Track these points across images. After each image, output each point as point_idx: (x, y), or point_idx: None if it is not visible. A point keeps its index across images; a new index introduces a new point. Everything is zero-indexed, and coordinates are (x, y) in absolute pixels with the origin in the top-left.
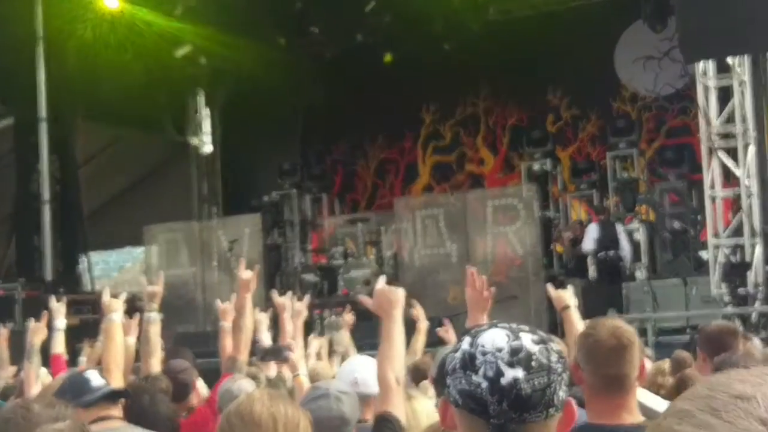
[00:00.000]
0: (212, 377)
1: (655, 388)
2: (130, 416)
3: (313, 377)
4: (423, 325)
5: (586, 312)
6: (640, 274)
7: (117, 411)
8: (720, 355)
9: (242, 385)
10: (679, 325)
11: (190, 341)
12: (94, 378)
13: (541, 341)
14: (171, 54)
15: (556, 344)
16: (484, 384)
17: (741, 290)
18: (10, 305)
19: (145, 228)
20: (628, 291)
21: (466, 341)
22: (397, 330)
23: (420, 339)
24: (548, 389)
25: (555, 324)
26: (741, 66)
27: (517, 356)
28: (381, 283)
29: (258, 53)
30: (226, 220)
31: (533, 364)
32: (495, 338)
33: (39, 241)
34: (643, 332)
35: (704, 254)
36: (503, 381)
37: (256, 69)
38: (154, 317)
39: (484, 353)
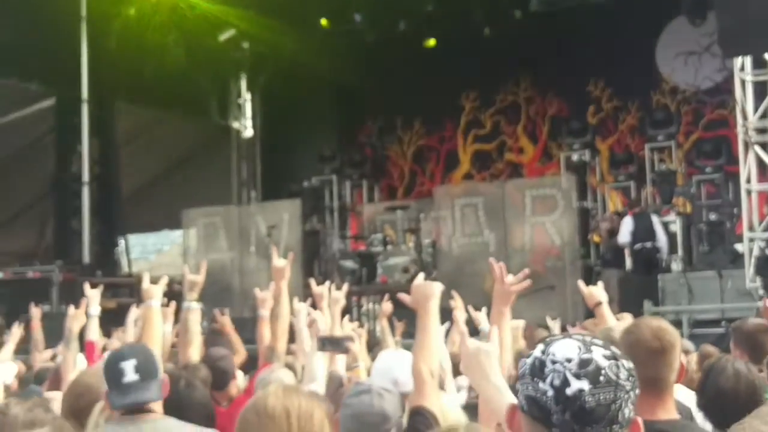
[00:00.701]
0: (250, 364)
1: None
2: (165, 404)
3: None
4: (460, 315)
5: (622, 303)
6: (676, 266)
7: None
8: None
9: (280, 375)
10: (714, 318)
11: None
12: (128, 371)
13: (613, 357)
14: (214, 37)
15: (628, 361)
16: (550, 392)
17: None
18: (46, 288)
19: (184, 211)
20: (663, 283)
21: (539, 349)
22: (432, 323)
23: (457, 330)
24: (613, 405)
25: (591, 315)
26: None
27: (586, 369)
28: (419, 278)
29: (300, 38)
30: (264, 205)
31: (601, 378)
32: (566, 349)
33: (77, 224)
34: (678, 324)
35: (740, 247)
36: (568, 391)
37: (297, 54)
38: (194, 306)
39: (553, 362)
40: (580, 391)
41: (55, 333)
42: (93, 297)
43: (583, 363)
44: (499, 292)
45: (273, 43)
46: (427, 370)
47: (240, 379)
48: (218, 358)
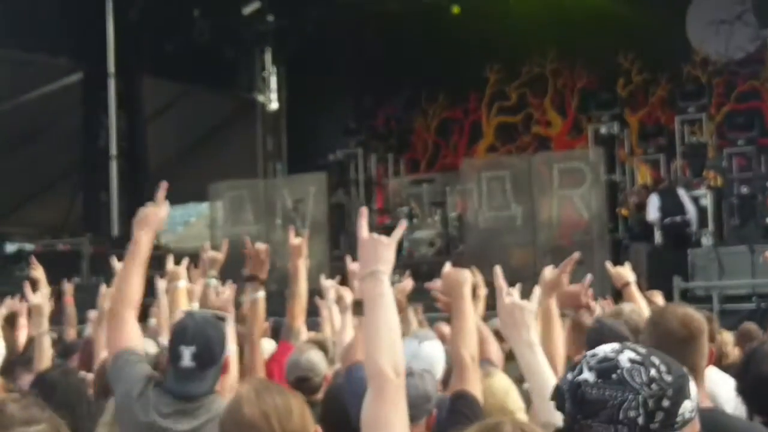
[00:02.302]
0: (277, 337)
1: (721, 358)
2: None
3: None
4: (482, 291)
5: (651, 278)
6: (706, 240)
7: None
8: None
9: (310, 356)
10: (745, 293)
11: None
12: (186, 357)
13: (641, 363)
14: (238, 10)
15: (659, 372)
16: (567, 380)
17: None
18: (76, 261)
19: (211, 184)
20: (693, 257)
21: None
22: (467, 308)
23: (479, 306)
24: (615, 402)
25: (619, 291)
26: None
27: (601, 364)
28: (447, 266)
29: (324, 10)
30: (291, 178)
31: (614, 376)
32: (605, 347)
33: (106, 197)
34: (708, 299)
35: None
36: (577, 379)
37: (322, 26)
38: (213, 283)
39: (585, 356)
40: (585, 380)
41: (85, 305)
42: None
43: (604, 359)
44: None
45: (297, 15)
46: (468, 355)
47: (269, 347)
48: None
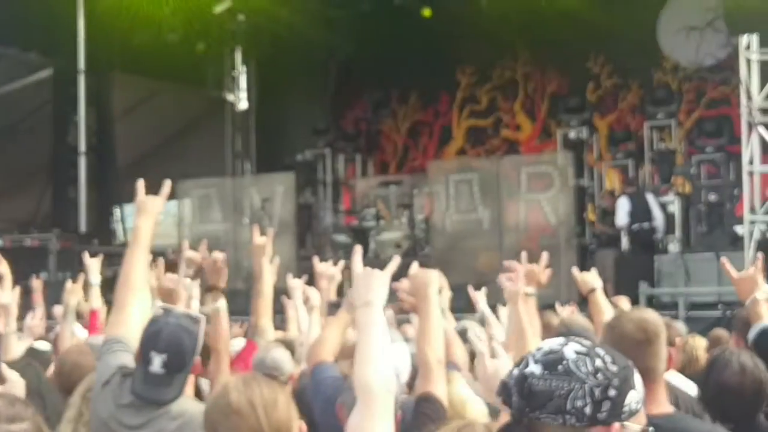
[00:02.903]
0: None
1: (692, 363)
2: None
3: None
4: (445, 294)
5: (618, 284)
6: (674, 247)
7: None
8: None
9: (276, 355)
10: (711, 300)
11: None
12: (156, 363)
13: (586, 353)
14: (209, 9)
15: (604, 363)
16: (513, 375)
17: None
18: (44, 256)
19: (179, 182)
20: (660, 264)
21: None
22: (433, 310)
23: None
24: (561, 392)
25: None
26: None
27: (547, 356)
28: (414, 267)
29: (295, 10)
30: (259, 177)
31: (560, 367)
32: (551, 341)
33: (74, 193)
34: (674, 306)
35: (739, 229)
36: (523, 372)
37: (293, 26)
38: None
39: (530, 351)
40: (531, 373)
41: (52, 301)
42: (93, 266)
43: (549, 352)
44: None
45: (269, 15)
46: (434, 357)
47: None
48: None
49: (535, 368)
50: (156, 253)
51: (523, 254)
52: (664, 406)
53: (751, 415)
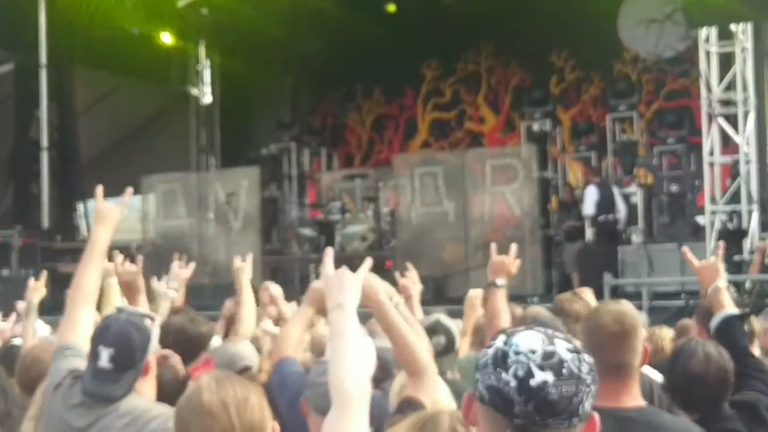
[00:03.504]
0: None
1: (657, 353)
2: None
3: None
4: (417, 287)
5: (582, 275)
6: (636, 237)
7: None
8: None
9: (239, 348)
10: (674, 290)
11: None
12: (104, 358)
13: (575, 350)
14: (173, 3)
15: (589, 356)
16: (513, 383)
17: (736, 257)
18: (6, 252)
19: (143, 177)
20: (623, 255)
21: (501, 339)
22: (392, 315)
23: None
24: (575, 398)
25: (550, 284)
26: (744, 33)
27: (550, 361)
28: (360, 275)
29: (259, 4)
30: (223, 171)
31: (564, 371)
32: (530, 340)
33: (36, 188)
34: (637, 296)
35: (701, 219)
36: (532, 382)
37: (257, 20)
38: (172, 294)
39: (517, 353)
40: (545, 382)
41: (14, 298)
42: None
43: (547, 355)
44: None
45: (232, 9)
46: (420, 362)
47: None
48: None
49: (546, 376)
50: (119, 248)
51: (493, 246)
52: (637, 400)
53: (716, 403)
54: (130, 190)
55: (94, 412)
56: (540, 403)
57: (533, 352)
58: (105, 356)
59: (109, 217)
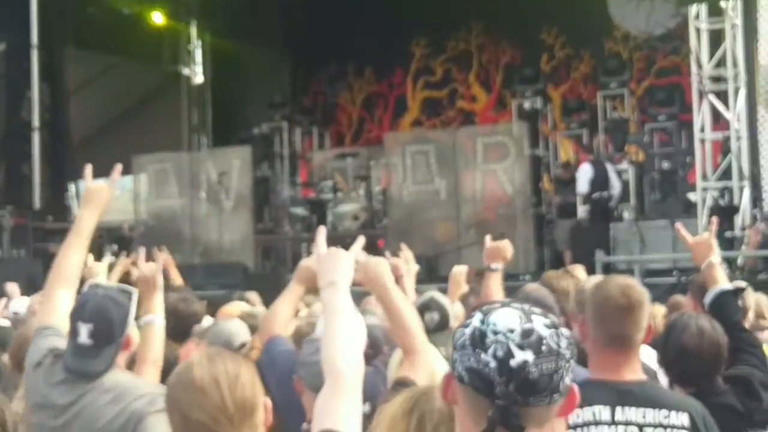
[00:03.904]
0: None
1: (650, 330)
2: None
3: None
4: (413, 268)
5: (575, 253)
6: (628, 214)
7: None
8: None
9: (233, 326)
10: (665, 267)
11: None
12: (83, 334)
13: (553, 326)
14: None
15: (567, 330)
16: (493, 364)
17: (728, 233)
18: None
19: (134, 157)
20: (615, 232)
21: (477, 318)
22: (397, 299)
23: (409, 282)
24: (555, 375)
25: (542, 262)
26: (734, 9)
27: (528, 339)
28: (361, 255)
29: None
30: (215, 151)
31: (543, 348)
32: (507, 318)
33: (28, 169)
34: (630, 273)
35: (692, 196)
36: (512, 363)
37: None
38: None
39: (495, 332)
40: (525, 362)
41: (6, 278)
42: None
43: (526, 333)
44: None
45: None
46: (417, 344)
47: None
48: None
49: (526, 355)
50: (111, 229)
51: (488, 237)
52: (638, 374)
53: (710, 377)
54: (119, 167)
55: (77, 388)
56: (521, 383)
57: (512, 331)
58: (84, 332)
59: (98, 198)
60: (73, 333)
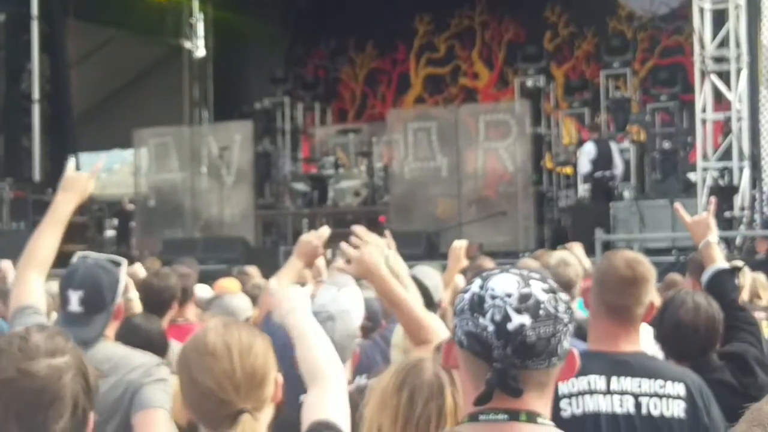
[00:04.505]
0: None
1: None
2: (120, 332)
3: None
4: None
5: (574, 231)
6: (628, 194)
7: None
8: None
9: (237, 301)
10: (665, 246)
11: (176, 247)
12: (74, 301)
13: (551, 290)
14: None
15: (565, 294)
16: (491, 327)
17: (727, 213)
18: None
19: (135, 131)
20: (615, 211)
21: (476, 283)
22: (394, 288)
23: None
24: (553, 338)
25: (542, 240)
26: None
27: (526, 303)
28: (352, 251)
29: None
30: (216, 125)
31: (541, 312)
32: (505, 283)
33: (28, 141)
34: None
35: (693, 176)
36: (510, 326)
37: None
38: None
39: (493, 297)
40: (522, 325)
41: (6, 251)
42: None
43: (523, 297)
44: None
45: None
46: (431, 330)
47: (203, 293)
48: (181, 275)
49: (523, 319)
50: (111, 203)
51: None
52: (635, 346)
53: (706, 352)
54: (99, 163)
55: None
56: (518, 347)
57: (509, 296)
58: (75, 299)
59: (77, 186)
60: (63, 301)
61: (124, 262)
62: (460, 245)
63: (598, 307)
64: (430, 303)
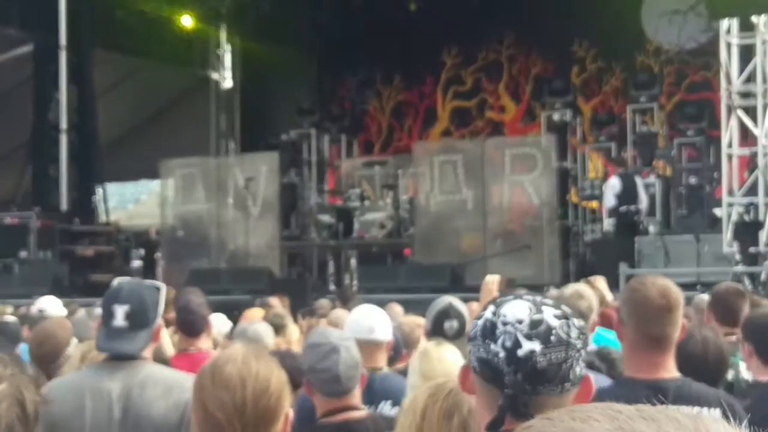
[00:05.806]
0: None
1: None
2: None
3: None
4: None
5: (599, 265)
6: (653, 228)
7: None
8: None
9: (258, 328)
10: (690, 281)
11: (202, 277)
12: (119, 316)
13: (563, 316)
14: None
15: (579, 320)
16: (502, 354)
17: (752, 249)
18: (24, 234)
19: (162, 161)
20: (640, 245)
21: (490, 310)
22: None
23: None
24: (565, 364)
25: (567, 274)
26: (765, 25)
27: (537, 329)
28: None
29: None
30: (243, 156)
31: (552, 338)
32: (517, 310)
33: (55, 171)
34: None
35: (718, 211)
36: (520, 352)
37: (278, 4)
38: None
39: (504, 323)
40: (532, 352)
41: (32, 280)
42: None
43: (534, 324)
44: None
45: None
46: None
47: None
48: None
49: (533, 345)
50: (138, 233)
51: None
52: (673, 372)
53: (715, 383)
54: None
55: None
56: (529, 372)
57: (520, 322)
58: (120, 314)
59: None
60: (108, 316)
61: (163, 286)
62: (492, 279)
63: (638, 339)
64: (464, 331)
